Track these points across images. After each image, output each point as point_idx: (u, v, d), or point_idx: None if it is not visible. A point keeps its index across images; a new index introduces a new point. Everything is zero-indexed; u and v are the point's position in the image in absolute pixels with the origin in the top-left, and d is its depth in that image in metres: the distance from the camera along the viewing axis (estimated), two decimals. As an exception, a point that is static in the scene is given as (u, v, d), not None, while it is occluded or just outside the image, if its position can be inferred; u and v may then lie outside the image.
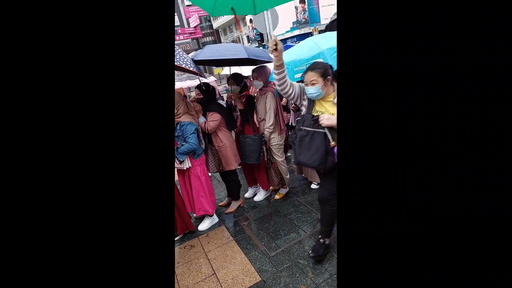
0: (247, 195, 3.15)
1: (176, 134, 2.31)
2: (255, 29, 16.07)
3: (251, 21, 20.37)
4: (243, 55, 2.34)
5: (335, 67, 2.12)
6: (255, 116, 2.79)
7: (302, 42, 2.69)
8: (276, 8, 3.55)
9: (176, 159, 2.34)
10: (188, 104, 2.41)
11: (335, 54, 2.18)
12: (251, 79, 2.88)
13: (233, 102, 2.87)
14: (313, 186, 3.07)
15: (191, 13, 19.90)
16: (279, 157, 2.84)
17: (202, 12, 19.98)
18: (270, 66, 2.43)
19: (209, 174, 2.91)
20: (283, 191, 3.03)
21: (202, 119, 2.55)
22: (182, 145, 2.31)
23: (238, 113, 2.85)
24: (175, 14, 22.87)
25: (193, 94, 5.45)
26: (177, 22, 22.76)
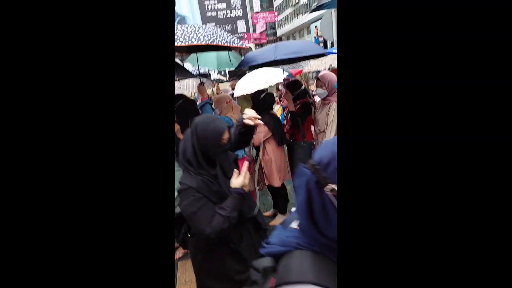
0: (294, 209, 2.76)
1: None
2: (320, 36, 14.98)
3: (316, 28, 19.05)
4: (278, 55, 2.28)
5: None
6: (313, 127, 2.43)
7: None
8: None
9: None
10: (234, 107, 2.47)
11: None
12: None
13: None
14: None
15: (258, 20, 19.85)
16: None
17: (269, 18, 20.03)
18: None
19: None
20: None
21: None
22: None
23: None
24: (243, 20, 23.32)
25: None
26: (244, 28, 23.12)
